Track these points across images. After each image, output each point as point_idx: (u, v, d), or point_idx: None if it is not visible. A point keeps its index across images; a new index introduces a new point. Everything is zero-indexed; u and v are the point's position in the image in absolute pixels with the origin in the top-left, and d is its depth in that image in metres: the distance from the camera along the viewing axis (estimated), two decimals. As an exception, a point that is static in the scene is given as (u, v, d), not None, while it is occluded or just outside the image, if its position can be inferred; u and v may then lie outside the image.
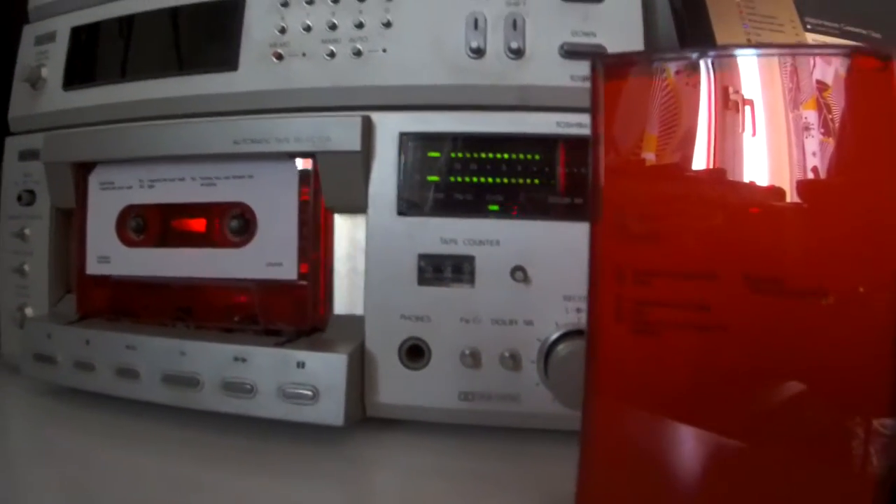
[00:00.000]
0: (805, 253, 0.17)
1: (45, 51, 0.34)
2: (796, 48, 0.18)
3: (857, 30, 0.35)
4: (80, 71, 0.33)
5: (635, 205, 0.19)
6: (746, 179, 0.17)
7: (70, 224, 0.33)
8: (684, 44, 0.35)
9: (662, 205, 0.18)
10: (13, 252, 0.34)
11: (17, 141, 0.35)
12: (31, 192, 0.33)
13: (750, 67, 0.17)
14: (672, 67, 0.18)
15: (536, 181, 0.27)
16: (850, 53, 0.17)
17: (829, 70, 0.17)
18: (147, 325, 0.30)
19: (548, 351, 0.26)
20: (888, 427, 0.15)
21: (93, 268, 0.31)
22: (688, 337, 0.18)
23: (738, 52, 0.18)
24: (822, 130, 0.17)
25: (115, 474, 0.24)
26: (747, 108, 0.17)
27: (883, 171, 0.16)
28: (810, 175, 0.17)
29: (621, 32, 0.28)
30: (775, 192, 0.17)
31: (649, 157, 0.19)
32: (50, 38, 0.34)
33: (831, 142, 0.17)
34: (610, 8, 0.28)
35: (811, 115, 0.17)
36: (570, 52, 0.28)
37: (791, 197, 0.17)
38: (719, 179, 0.18)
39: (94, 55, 0.33)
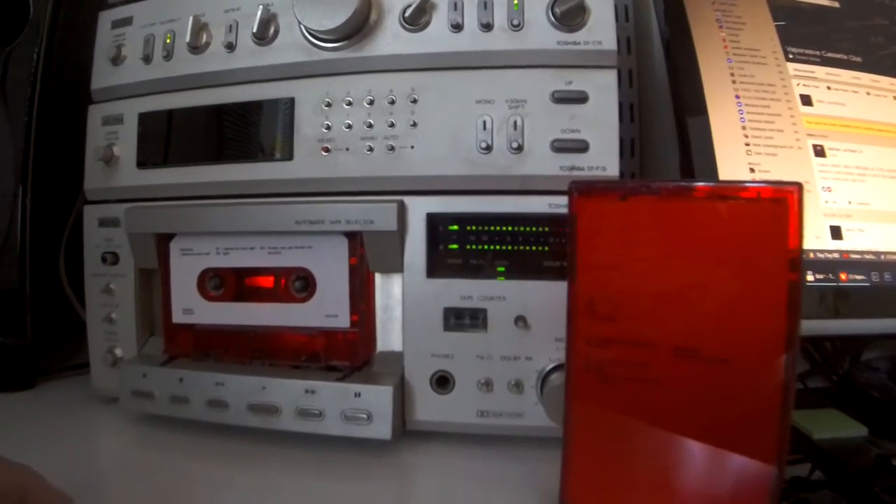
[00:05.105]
0: (714, 332, 0.26)
1: (114, 131, 0.40)
2: (718, 186, 0.27)
3: (838, 55, 0.38)
4: (152, 154, 0.39)
5: (600, 294, 0.27)
6: (675, 279, 0.26)
7: (150, 278, 0.40)
8: (673, 76, 0.39)
9: (619, 295, 0.27)
10: (101, 305, 0.40)
11: (95, 209, 0.40)
12: (115, 254, 0.39)
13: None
14: (624, 194, 0.27)
15: (533, 248, 0.36)
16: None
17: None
18: (229, 363, 0.38)
19: (543, 379, 0.35)
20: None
21: (178, 318, 0.38)
22: (634, 385, 0.27)
23: (664, 185, 0.26)
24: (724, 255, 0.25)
25: (207, 484, 0.32)
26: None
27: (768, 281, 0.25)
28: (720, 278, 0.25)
29: (600, 129, 0.35)
30: (695, 289, 0.26)
31: (610, 259, 0.27)
32: (117, 119, 0.40)
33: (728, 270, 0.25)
34: (592, 108, 0.35)
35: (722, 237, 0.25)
36: (559, 149, 0.35)
37: (705, 294, 0.25)
38: (658, 278, 0.26)
39: (163, 141, 0.39)
